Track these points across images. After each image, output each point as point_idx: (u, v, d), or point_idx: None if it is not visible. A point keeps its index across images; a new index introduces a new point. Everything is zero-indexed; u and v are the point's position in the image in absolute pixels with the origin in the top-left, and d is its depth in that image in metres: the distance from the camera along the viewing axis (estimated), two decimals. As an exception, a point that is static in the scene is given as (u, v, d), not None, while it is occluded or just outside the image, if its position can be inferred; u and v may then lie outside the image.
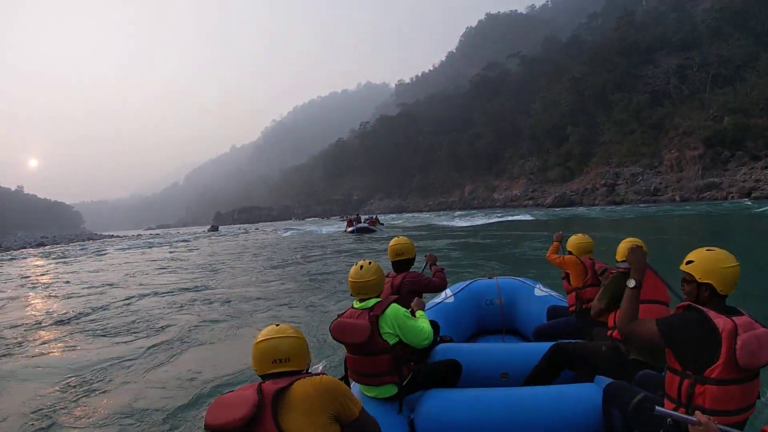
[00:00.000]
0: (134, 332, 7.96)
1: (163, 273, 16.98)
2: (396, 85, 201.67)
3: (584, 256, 4.52)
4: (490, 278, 5.57)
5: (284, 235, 39.69)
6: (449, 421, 2.88)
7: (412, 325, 2.93)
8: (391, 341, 2.87)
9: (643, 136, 52.54)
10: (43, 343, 7.70)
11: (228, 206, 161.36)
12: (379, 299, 2.98)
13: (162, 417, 4.52)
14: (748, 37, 48.34)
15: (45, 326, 8.88)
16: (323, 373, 2.00)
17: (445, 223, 40.54)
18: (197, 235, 52.15)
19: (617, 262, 3.37)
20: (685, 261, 2.32)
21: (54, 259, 29.69)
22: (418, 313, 3.23)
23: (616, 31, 68.76)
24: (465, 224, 36.00)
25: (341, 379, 2.63)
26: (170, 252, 28.45)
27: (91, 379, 5.66)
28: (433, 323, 3.48)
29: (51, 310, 10.65)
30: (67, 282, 16.18)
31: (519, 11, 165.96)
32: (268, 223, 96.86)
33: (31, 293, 13.99)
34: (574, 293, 4.41)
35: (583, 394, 2.95)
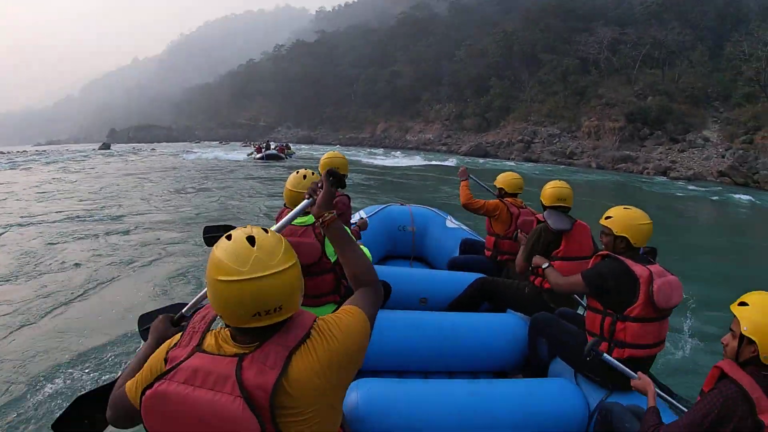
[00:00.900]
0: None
1: (42, 200, 14.74)
2: (317, 11, 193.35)
3: (516, 192, 4.50)
4: (403, 205, 5.69)
5: (186, 158, 35.63)
6: (380, 341, 2.80)
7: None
8: (333, 259, 2.79)
9: (565, 99, 52.01)
10: None
11: (125, 123, 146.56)
12: None
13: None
14: (686, 28, 49.05)
15: None
16: (315, 317, 1.33)
17: (364, 159, 38.29)
18: (86, 153, 46.26)
19: (544, 207, 3.57)
20: (604, 216, 2.65)
21: None
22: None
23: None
24: (387, 163, 33.81)
25: None
26: (51, 173, 24.60)
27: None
28: None
29: None
30: None
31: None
32: (167, 144, 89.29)
33: None
34: (493, 238, 4.41)
35: (508, 323, 3.29)
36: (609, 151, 40.38)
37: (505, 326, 3.21)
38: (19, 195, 15.83)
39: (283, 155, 33.34)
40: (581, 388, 2.68)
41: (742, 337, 1.79)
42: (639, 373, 2.26)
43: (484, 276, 3.80)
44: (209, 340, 1.24)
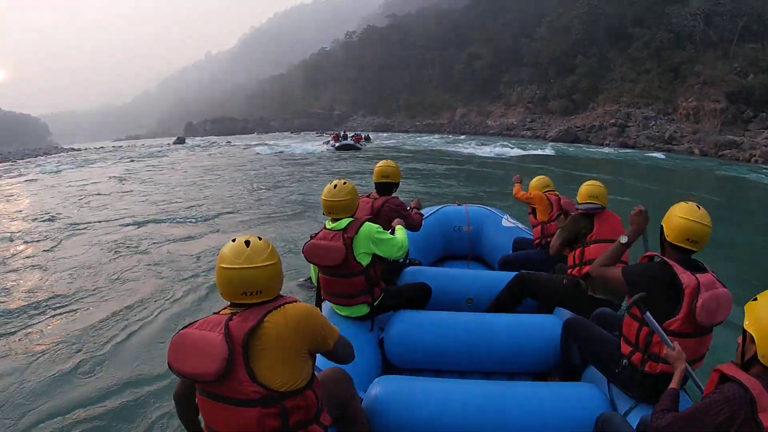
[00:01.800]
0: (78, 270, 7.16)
1: (110, 198, 15.15)
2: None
3: (547, 189, 4.92)
4: (459, 205, 5.72)
5: (262, 151, 35.67)
6: (417, 341, 3.15)
7: (386, 238, 3.03)
8: (365, 262, 2.97)
9: (660, 78, 48.26)
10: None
11: (201, 117, 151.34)
12: (352, 219, 3.04)
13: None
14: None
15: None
16: (295, 300, 1.89)
17: (445, 147, 35.98)
18: (160, 148, 47.91)
19: (578, 203, 3.72)
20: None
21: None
22: (398, 228, 3.38)
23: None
24: (474, 152, 30.64)
25: (315, 301, 3.17)
26: (126, 169, 25.21)
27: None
28: None
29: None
30: None
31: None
32: (241, 135, 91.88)
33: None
34: (539, 227, 4.71)
35: (544, 324, 3.25)
36: (711, 136, 37.60)
37: (541, 327, 3.22)
38: (90, 194, 15.91)
39: (359, 145, 33.55)
40: (612, 396, 2.62)
41: (744, 333, 1.72)
42: (676, 344, 2.16)
43: (522, 272, 3.85)
44: (223, 311, 1.85)
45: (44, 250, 8.47)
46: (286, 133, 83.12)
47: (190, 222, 10.33)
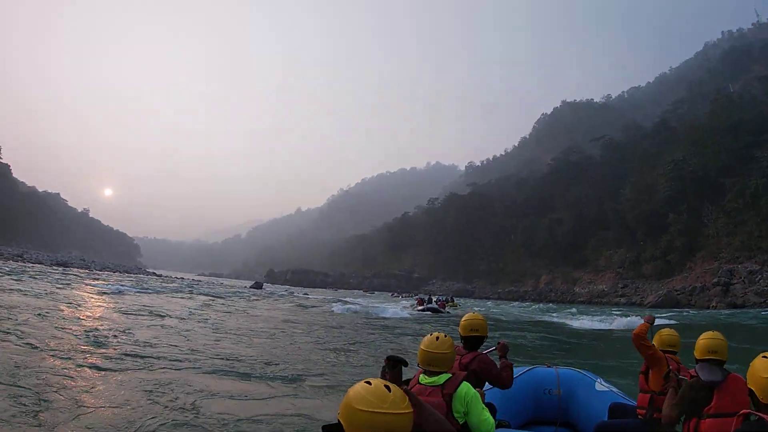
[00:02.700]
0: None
1: (178, 329, 14.08)
2: (466, 166, 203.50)
3: (666, 349, 4.37)
4: (549, 367, 5.45)
5: (334, 309, 32.83)
6: None
7: (481, 410, 2.87)
8: (462, 421, 2.82)
9: (759, 226, 45.52)
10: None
11: (284, 266, 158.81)
12: (449, 375, 2.93)
13: None
14: None
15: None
16: None
17: (537, 316, 31.62)
18: (237, 290, 47.69)
19: (696, 360, 3.31)
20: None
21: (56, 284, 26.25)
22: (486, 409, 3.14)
23: (712, 113, 63.38)
24: (583, 326, 24.63)
25: None
26: (197, 304, 24.41)
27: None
28: (489, 405, 3.49)
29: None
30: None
31: (595, 100, 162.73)
32: (320, 289, 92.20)
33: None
34: (649, 395, 4.18)
35: None
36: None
37: None
38: (153, 321, 15.10)
39: (442, 310, 32.15)
40: None
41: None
42: None
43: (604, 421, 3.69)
44: None
45: (82, 387, 6.70)
46: (357, 291, 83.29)
47: (256, 377, 8.38)
